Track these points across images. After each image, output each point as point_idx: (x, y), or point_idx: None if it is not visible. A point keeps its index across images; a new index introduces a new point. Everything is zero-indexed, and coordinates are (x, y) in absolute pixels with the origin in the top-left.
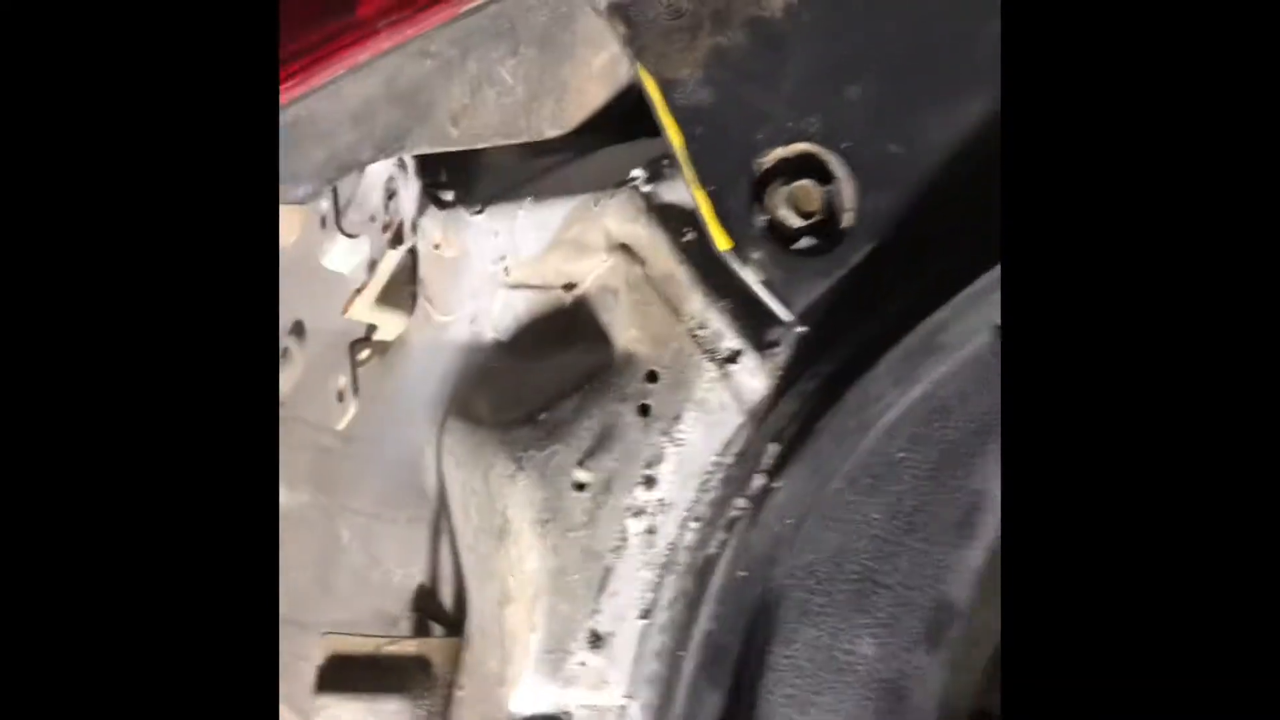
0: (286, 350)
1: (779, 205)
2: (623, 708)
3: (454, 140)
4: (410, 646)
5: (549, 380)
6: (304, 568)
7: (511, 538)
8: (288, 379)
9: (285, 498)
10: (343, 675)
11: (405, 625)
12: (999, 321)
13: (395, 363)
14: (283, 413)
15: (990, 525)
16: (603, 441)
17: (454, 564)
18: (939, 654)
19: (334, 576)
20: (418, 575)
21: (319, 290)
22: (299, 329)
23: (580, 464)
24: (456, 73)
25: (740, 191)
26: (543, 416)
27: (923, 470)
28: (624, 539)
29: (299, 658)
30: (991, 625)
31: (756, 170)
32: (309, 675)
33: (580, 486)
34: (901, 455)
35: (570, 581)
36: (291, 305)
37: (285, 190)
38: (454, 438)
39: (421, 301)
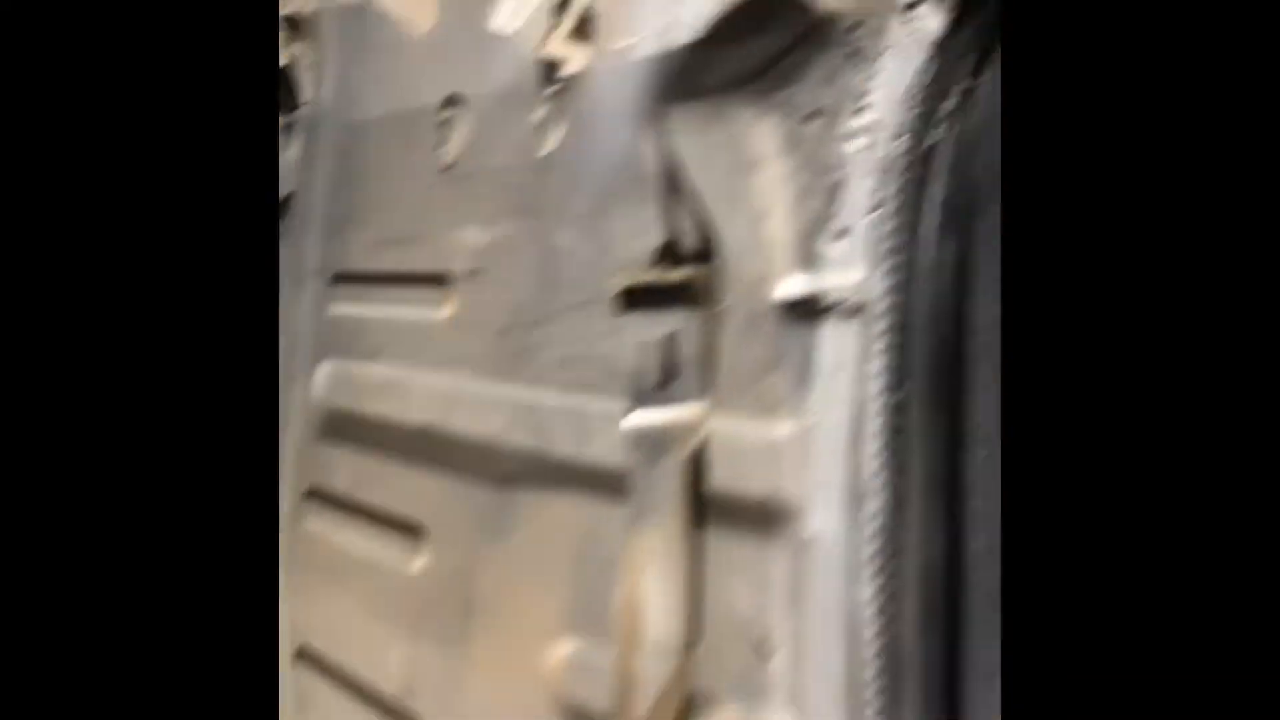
0: (448, 120)
1: None
2: (865, 279)
3: None
4: (679, 275)
5: (765, 48)
6: (521, 285)
7: (758, 168)
8: (457, 142)
9: (481, 235)
10: (635, 299)
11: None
12: None
13: (586, 89)
14: (464, 168)
15: None
16: (825, 82)
17: (694, 219)
18: None
19: (558, 272)
20: (654, 240)
21: (471, 60)
22: (455, 100)
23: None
24: None
25: None
26: (772, 72)
27: None
28: (849, 155)
29: None
30: None
31: None
32: None
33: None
34: None
35: (813, 188)
36: (441, 83)
37: None
38: (685, 114)
39: (598, 31)
